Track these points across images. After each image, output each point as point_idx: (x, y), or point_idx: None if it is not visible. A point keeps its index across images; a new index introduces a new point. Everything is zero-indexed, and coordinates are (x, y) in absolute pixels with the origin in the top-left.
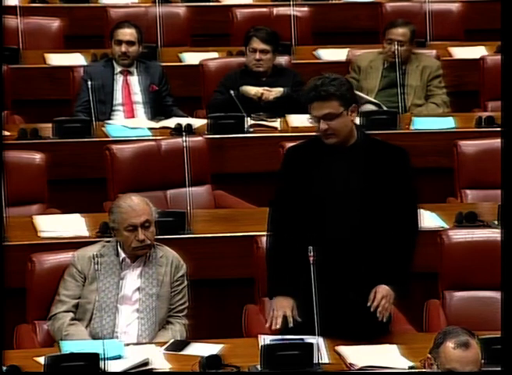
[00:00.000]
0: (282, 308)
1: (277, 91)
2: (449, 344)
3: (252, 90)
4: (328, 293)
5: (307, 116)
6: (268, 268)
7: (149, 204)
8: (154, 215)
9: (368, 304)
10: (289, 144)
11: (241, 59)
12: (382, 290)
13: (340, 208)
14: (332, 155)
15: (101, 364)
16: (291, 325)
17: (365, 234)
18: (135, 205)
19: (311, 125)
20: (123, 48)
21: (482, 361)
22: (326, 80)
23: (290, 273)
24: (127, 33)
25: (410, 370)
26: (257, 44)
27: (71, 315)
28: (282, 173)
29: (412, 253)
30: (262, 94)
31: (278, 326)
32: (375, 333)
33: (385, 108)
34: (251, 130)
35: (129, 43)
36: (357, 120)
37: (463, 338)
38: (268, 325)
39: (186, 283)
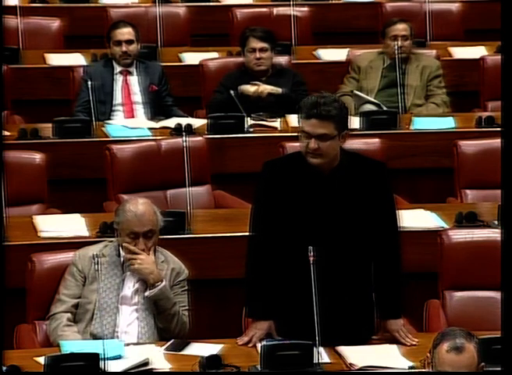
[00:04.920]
0: (255, 330)
1: (273, 88)
2: (444, 347)
3: (251, 88)
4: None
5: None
6: (247, 288)
7: (156, 212)
8: (160, 223)
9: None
10: (267, 160)
11: (241, 59)
12: (393, 325)
13: (323, 228)
14: (314, 177)
15: (101, 364)
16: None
17: (348, 255)
18: (141, 214)
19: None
20: (123, 47)
21: (482, 363)
22: (328, 99)
23: (268, 296)
24: (125, 32)
25: (410, 370)
26: (255, 43)
27: (68, 315)
28: (261, 192)
29: (401, 271)
30: (258, 87)
31: (240, 343)
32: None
33: (385, 108)
34: (251, 130)
35: (129, 42)
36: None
37: (458, 342)
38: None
39: (186, 287)
